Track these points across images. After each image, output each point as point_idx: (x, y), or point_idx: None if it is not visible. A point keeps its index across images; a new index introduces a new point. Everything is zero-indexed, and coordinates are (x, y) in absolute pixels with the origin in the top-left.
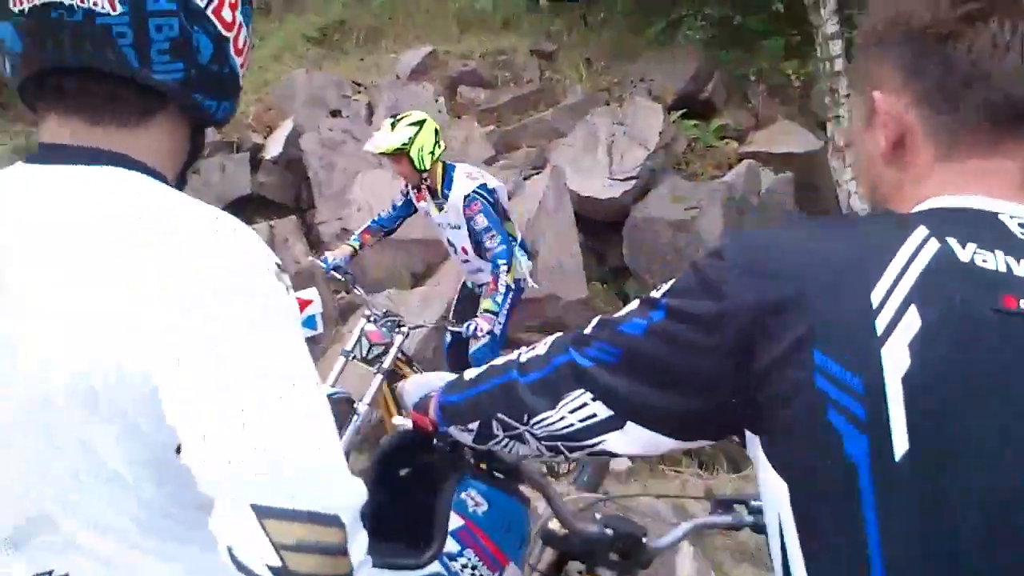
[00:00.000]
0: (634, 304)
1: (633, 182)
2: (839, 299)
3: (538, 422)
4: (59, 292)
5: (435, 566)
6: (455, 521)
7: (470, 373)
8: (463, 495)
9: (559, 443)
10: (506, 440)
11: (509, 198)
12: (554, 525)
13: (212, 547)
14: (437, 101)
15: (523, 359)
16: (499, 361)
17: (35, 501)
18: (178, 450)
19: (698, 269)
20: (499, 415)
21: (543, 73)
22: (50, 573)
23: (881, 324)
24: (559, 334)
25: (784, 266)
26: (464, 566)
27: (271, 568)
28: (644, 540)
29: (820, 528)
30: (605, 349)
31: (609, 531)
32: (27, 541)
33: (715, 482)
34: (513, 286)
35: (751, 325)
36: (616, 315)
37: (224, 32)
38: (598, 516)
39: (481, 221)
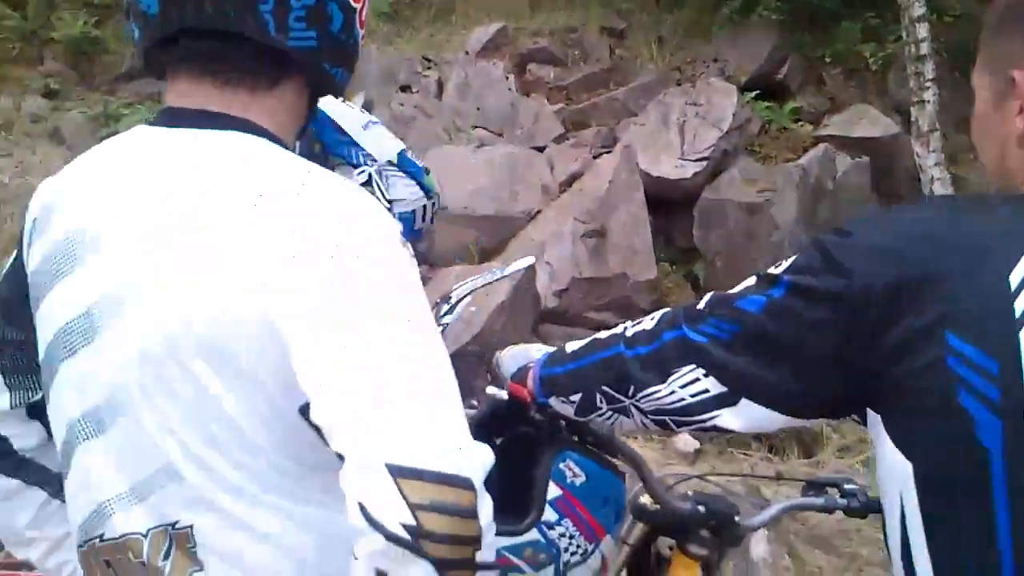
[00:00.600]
0: (751, 280)
1: (705, 163)
2: (975, 281)
3: (645, 396)
4: (185, 251)
5: (533, 533)
6: (553, 491)
7: (572, 345)
8: (561, 465)
9: (667, 417)
10: (609, 413)
11: (579, 176)
12: (645, 500)
13: (328, 506)
14: (507, 78)
15: (629, 333)
16: (603, 335)
17: (162, 454)
18: (303, 410)
19: (823, 247)
20: (604, 388)
21: (613, 51)
22: (173, 525)
23: (1020, 307)
24: (667, 309)
25: (914, 246)
26: (561, 535)
27: (405, 527)
28: (736, 519)
29: (946, 509)
30: (719, 325)
31: (701, 508)
32: (152, 493)
33: (785, 467)
34: None
35: (879, 305)
36: (731, 291)
37: (353, 3)
38: (689, 493)
39: None
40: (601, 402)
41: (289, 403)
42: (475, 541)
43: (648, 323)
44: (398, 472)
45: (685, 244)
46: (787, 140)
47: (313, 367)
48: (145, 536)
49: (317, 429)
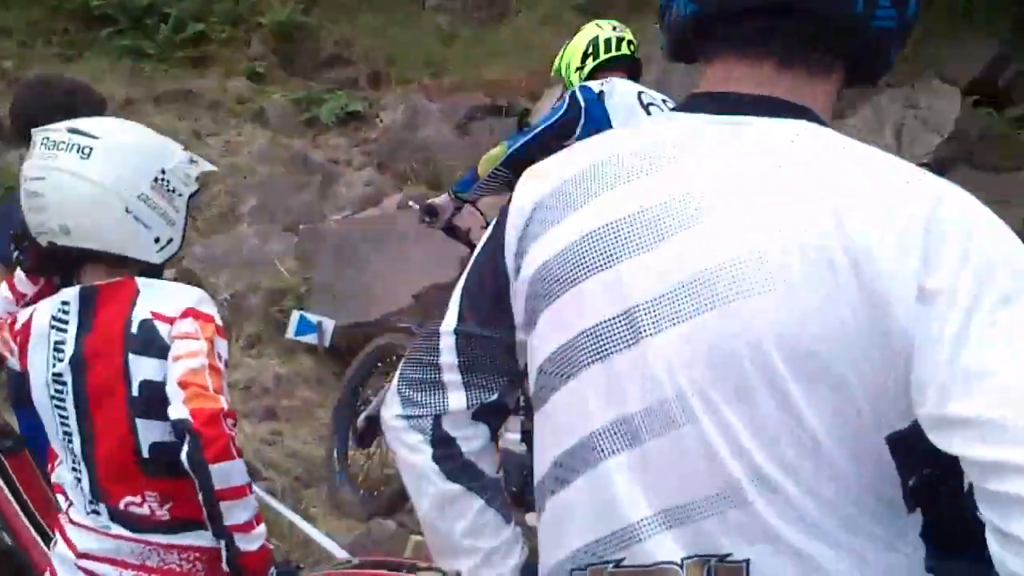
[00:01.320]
0: None
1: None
2: None
3: None
4: (769, 246)
5: None
6: None
7: None
8: None
9: None
10: None
11: None
12: None
13: (906, 555)
14: None
15: None
16: None
17: (725, 474)
18: (890, 439)
19: None
20: None
21: None
22: (722, 557)
23: None
24: None
25: None
26: None
27: None
28: None
29: None
30: None
31: None
32: (698, 518)
33: None
34: None
35: None
36: None
37: None
38: None
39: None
40: None
41: (876, 422)
42: None
43: None
44: None
45: None
46: (1007, 148)
47: (960, 386)
48: (680, 566)
49: (902, 463)
